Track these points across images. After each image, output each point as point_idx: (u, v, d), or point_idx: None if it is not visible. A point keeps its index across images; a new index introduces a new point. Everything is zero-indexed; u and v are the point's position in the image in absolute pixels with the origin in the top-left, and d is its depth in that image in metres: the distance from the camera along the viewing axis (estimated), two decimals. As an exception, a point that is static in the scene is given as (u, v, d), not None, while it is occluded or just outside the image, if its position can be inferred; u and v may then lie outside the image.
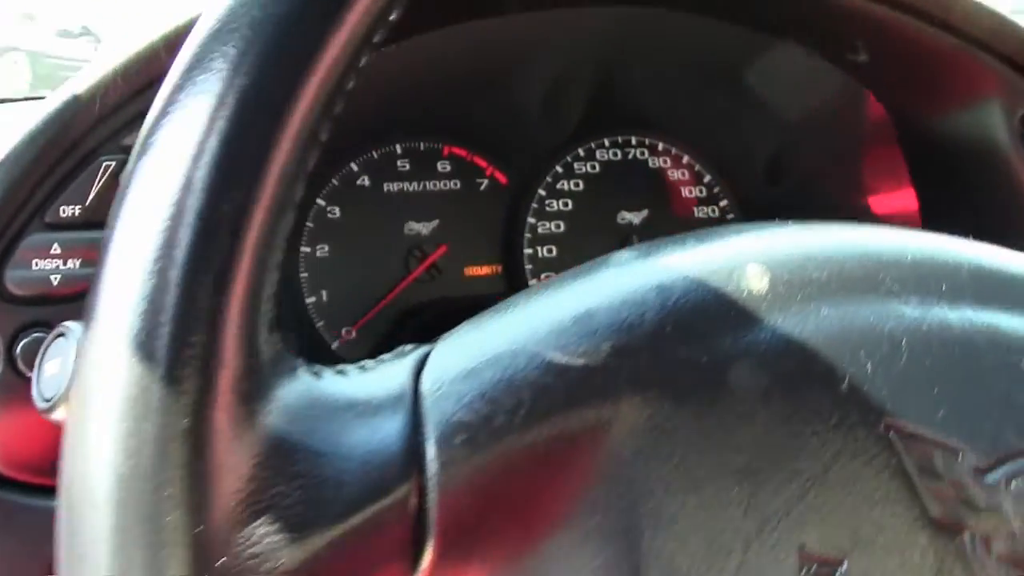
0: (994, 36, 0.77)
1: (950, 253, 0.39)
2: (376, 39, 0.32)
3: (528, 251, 0.96)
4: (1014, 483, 0.34)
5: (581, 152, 0.99)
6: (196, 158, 0.29)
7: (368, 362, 0.34)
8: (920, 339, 0.35)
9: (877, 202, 0.96)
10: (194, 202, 0.29)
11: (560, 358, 0.32)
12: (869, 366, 0.33)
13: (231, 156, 0.29)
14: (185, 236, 0.28)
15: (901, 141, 0.89)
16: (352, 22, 0.31)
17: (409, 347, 0.35)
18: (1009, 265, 0.39)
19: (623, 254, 0.38)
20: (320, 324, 0.90)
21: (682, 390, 0.32)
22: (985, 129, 0.83)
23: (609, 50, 0.91)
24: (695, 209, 1.01)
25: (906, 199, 0.93)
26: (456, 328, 0.35)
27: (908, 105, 0.86)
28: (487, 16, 0.83)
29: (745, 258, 0.36)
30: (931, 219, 0.93)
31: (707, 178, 1.02)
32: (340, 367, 0.33)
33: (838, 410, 0.33)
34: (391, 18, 0.32)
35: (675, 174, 1.01)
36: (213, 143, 0.29)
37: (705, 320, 0.33)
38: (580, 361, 0.32)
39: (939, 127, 0.84)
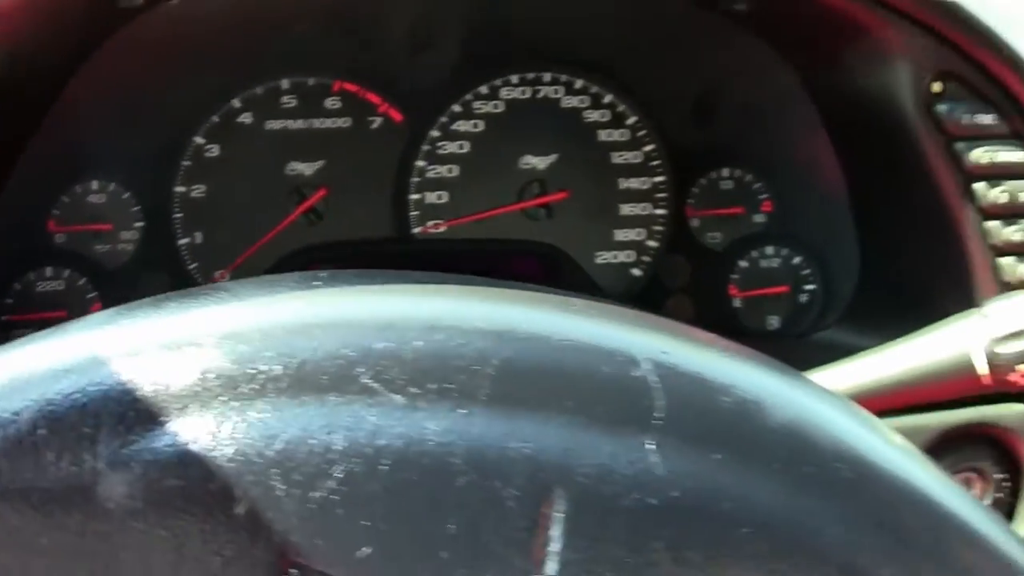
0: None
1: (490, 333, 0.33)
2: None
3: (415, 196, 0.91)
4: None
5: (484, 90, 0.92)
6: None
7: None
8: (370, 459, 0.30)
9: (803, 156, 0.87)
10: None
11: None
12: (282, 489, 0.29)
13: None
14: None
15: (814, 98, 0.79)
16: None
17: None
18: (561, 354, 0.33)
19: (99, 315, 0.34)
20: (193, 266, 0.88)
21: (39, 499, 0.29)
22: (892, 94, 0.73)
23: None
24: (612, 155, 0.93)
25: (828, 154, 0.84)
26: None
27: (807, 59, 0.76)
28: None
29: (197, 334, 0.31)
30: (852, 181, 0.83)
31: (631, 119, 0.93)
32: None
33: (226, 539, 0.29)
34: None
35: (592, 115, 0.93)
36: None
37: (84, 417, 0.29)
38: None
39: (844, 85, 0.74)
